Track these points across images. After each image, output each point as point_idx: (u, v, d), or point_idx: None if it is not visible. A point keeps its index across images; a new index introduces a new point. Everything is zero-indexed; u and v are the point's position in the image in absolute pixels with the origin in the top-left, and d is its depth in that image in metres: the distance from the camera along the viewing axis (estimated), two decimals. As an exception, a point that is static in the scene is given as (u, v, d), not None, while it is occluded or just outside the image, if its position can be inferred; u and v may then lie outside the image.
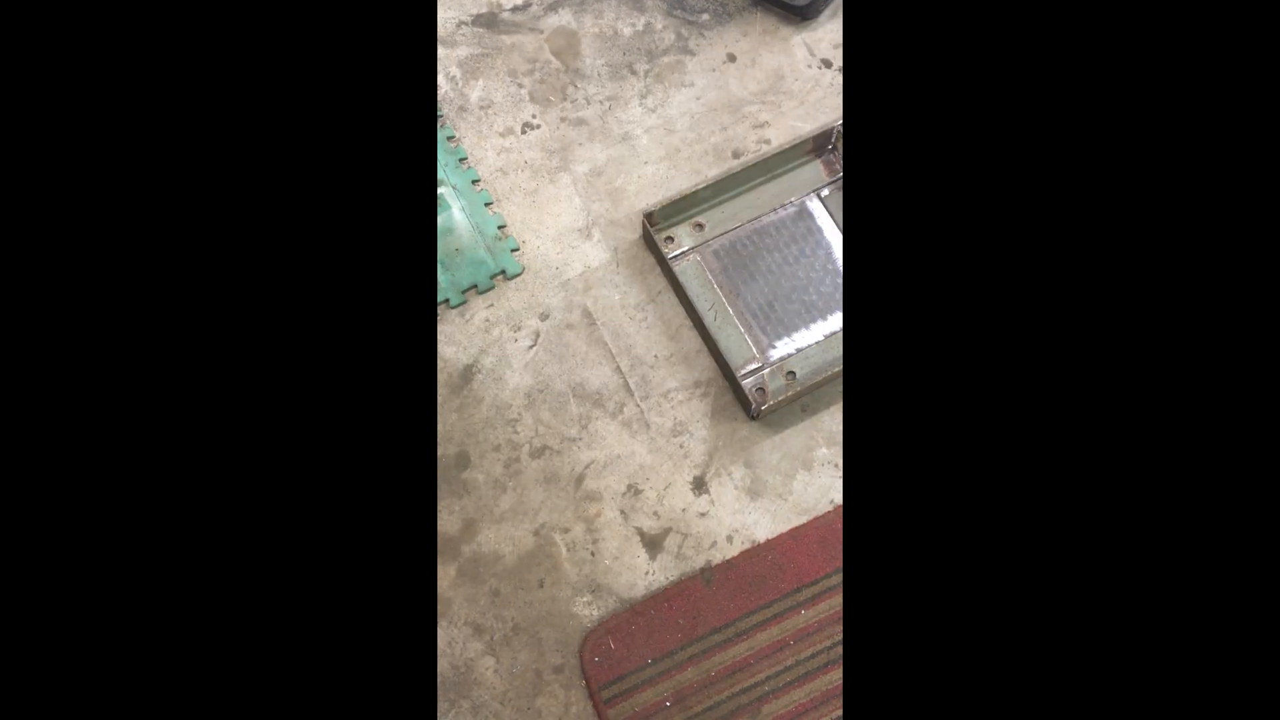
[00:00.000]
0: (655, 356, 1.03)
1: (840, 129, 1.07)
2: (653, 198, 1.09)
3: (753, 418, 0.99)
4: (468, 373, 1.02)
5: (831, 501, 0.97)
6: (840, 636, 0.91)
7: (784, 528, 0.96)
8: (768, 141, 1.12)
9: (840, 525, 0.96)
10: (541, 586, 0.94)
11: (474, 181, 1.09)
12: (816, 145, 1.08)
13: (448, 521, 0.96)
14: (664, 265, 1.05)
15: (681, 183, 1.10)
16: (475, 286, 1.05)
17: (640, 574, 0.94)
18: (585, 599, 0.93)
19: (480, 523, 0.96)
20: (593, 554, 0.95)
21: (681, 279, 1.04)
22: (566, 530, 0.96)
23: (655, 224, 1.05)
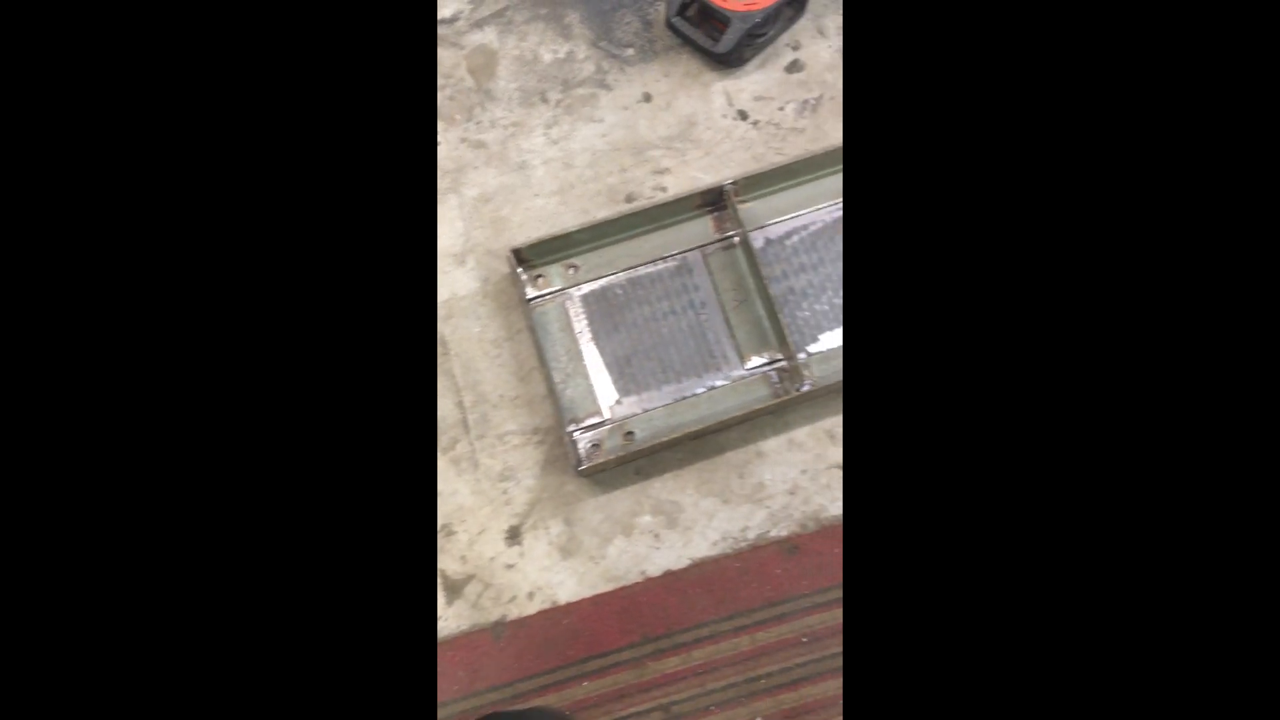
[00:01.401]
0: (500, 396, 1.00)
1: (732, 188, 1.02)
2: (535, 232, 1.07)
3: (578, 473, 0.96)
4: (312, 385, 1.01)
5: (643, 573, 0.93)
6: (620, 714, 0.88)
7: (588, 593, 0.93)
8: (664, 189, 1.08)
9: (645, 600, 0.92)
10: (334, 613, 0.93)
11: (361, 192, 1.08)
12: (706, 200, 1.04)
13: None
14: (524, 304, 1.02)
15: (569, 220, 1.07)
16: (339, 299, 1.04)
17: (434, 617, 0.92)
18: (374, 633, 0.92)
19: (289, 539, 0.95)
20: (392, 588, 0.93)
21: (540, 321, 1.01)
22: (372, 560, 0.94)
23: (525, 260, 1.03)
